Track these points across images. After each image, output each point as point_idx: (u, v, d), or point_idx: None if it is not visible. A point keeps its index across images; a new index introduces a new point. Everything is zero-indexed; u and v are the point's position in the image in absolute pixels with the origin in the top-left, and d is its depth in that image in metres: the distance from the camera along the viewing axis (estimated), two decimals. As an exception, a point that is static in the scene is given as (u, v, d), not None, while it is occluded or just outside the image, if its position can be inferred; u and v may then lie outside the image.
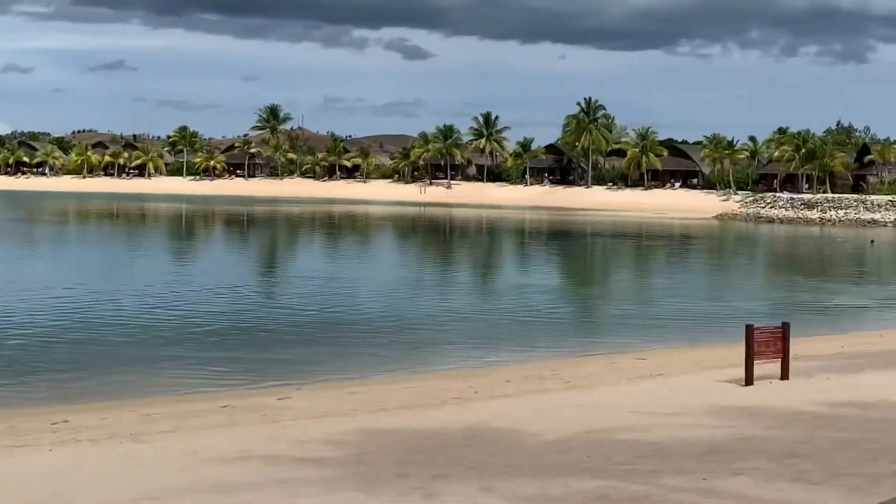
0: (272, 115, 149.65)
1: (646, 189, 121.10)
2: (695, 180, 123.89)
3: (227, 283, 34.13)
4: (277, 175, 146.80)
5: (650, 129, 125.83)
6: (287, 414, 14.44)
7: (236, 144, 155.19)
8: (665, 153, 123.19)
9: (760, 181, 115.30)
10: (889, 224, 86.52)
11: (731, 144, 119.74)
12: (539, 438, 11.78)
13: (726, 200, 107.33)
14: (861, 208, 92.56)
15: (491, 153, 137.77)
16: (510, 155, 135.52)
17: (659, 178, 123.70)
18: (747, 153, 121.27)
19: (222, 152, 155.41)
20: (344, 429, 12.70)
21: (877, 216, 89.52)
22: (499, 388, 16.55)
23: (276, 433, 12.61)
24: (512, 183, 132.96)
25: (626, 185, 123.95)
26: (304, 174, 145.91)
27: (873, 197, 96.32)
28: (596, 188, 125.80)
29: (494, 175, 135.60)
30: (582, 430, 12.08)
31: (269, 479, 9.86)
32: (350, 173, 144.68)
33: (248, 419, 14.10)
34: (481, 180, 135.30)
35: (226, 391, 17.24)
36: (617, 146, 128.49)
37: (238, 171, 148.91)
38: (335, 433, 12.35)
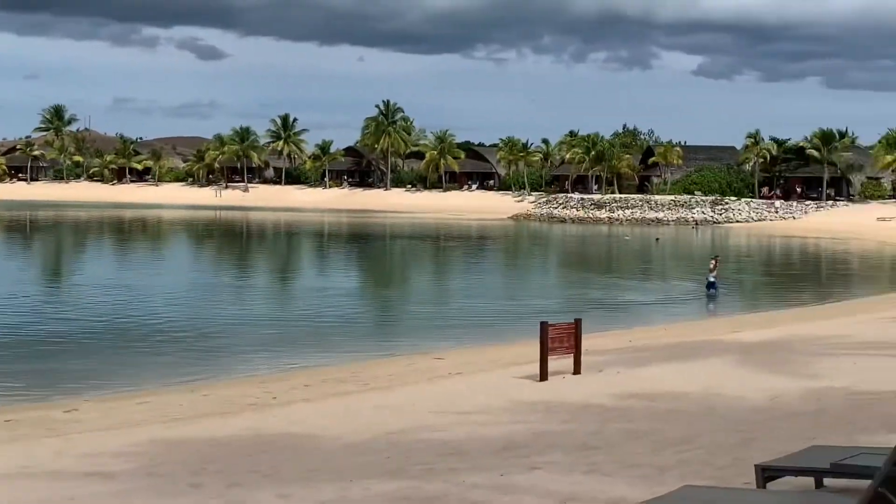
0: (56, 116, 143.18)
1: (444, 191, 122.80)
2: (491, 182, 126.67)
3: (8, 293, 32.33)
4: (63, 178, 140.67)
5: (448, 132, 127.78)
6: (74, 427, 13.76)
7: (18, 146, 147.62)
8: (462, 155, 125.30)
9: (553, 182, 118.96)
10: (671, 223, 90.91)
11: (525, 147, 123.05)
12: (338, 442, 11.66)
13: (521, 201, 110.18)
14: (646, 208, 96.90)
15: (289, 155, 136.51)
16: (309, 157, 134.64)
17: (457, 180, 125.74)
18: (541, 155, 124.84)
19: (2, 155, 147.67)
20: (135, 440, 12.21)
21: (660, 215, 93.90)
22: (297, 393, 16.32)
23: (62, 447, 11.99)
24: (311, 185, 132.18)
25: (425, 187, 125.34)
26: (91, 178, 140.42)
27: (657, 197, 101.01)
28: (395, 190, 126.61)
29: (293, 178, 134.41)
30: (382, 432, 12.03)
31: (54, 496, 9.35)
32: (141, 176, 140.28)
33: (31, 433, 13.35)
34: (279, 183, 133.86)
35: (8, 405, 16.26)
36: (416, 148, 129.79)
37: (20, 175, 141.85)
38: (126, 445, 11.84)
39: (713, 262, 36.24)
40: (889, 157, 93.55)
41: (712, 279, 35.41)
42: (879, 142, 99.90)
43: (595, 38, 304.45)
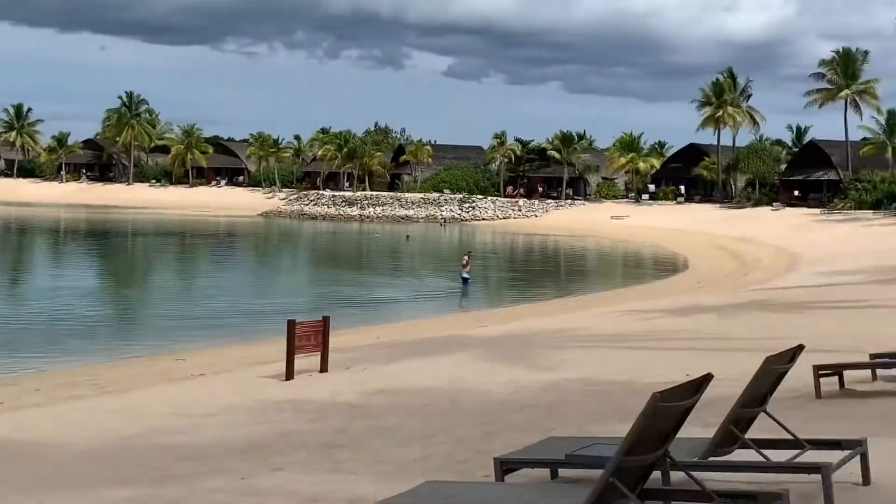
0: None
1: (190, 186, 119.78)
2: (241, 178, 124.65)
3: None
4: None
5: (195, 126, 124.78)
6: None
7: None
8: (211, 150, 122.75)
9: (304, 179, 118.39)
10: (421, 220, 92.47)
11: (276, 143, 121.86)
12: (70, 448, 11.01)
13: (271, 198, 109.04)
14: (397, 205, 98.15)
15: (22, 147, 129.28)
16: (44, 150, 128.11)
17: (204, 176, 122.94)
18: (292, 151, 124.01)
19: None
20: None
21: (410, 213, 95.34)
22: (26, 398, 15.35)
23: None
24: (46, 179, 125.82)
25: (171, 183, 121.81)
26: None
27: (407, 195, 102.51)
28: (138, 185, 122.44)
29: (26, 171, 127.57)
30: (117, 437, 11.46)
31: None
32: None
33: None
34: (11, 176, 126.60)
35: None
36: (161, 142, 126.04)
37: None
38: None
39: (466, 257, 37.12)
40: (623, 159, 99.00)
41: (465, 275, 36.26)
42: (614, 144, 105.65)
43: (348, 35, 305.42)
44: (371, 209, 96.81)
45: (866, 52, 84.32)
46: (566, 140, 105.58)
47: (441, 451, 9.16)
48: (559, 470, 7.13)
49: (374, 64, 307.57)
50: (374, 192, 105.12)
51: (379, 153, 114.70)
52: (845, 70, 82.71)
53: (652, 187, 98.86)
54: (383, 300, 33.96)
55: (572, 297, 34.56)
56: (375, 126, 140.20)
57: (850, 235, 57.37)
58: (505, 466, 6.86)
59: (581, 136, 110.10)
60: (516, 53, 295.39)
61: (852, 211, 73.69)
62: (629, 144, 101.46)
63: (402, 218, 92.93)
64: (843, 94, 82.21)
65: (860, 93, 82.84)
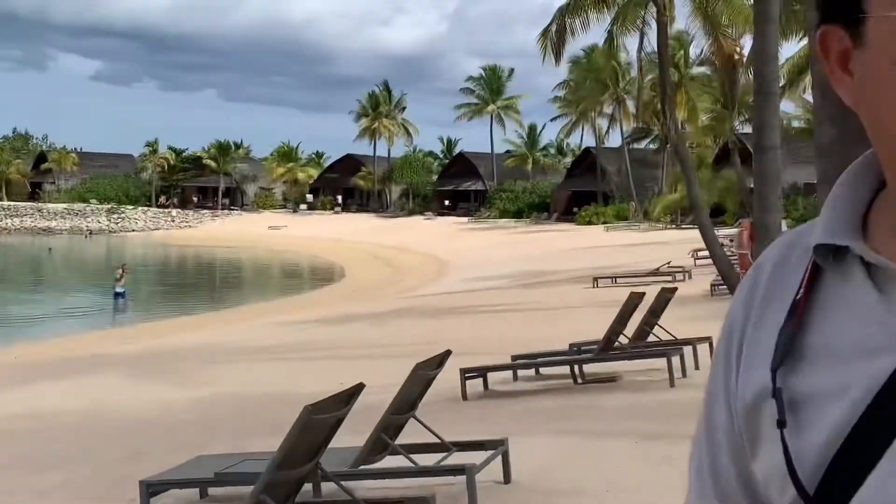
0: None
1: None
2: None
3: None
4: None
5: None
6: None
7: None
8: None
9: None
10: (65, 232, 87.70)
11: None
12: None
13: None
14: (38, 216, 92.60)
15: None
16: None
17: None
18: None
19: None
20: None
21: (53, 224, 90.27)
22: None
23: None
24: None
25: None
26: None
27: (50, 205, 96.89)
28: None
29: None
30: None
31: None
32: None
33: None
34: None
35: None
36: None
37: None
38: None
39: (120, 271, 35.49)
40: (281, 169, 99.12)
41: (119, 289, 34.67)
42: (272, 154, 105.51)
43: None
44: (8, 221, 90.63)
45: (511, 70, 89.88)
46: (223, 149, 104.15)
47: (83, 476, 8.62)
48: (209, 489, 6.90)
49: (13, 65, 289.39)
50: (12, 203, 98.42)
51: (18, 160, 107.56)
52: (491, 86, 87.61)
53: (310, 197, 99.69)
54: (23, 318, 31.76)
55: (227, 310, 33.94)
56: (14, 132, 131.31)
57: (495, 243, 60.63)
58: (151, 489, 6.53)
59: (238, 146, 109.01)
60: (170, 59, 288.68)
61: (497, 220, 78.02)
62: (287, 154, 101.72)
63: (44, 230, 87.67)
64: (489, 108, 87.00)
65: (504, 108, 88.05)
